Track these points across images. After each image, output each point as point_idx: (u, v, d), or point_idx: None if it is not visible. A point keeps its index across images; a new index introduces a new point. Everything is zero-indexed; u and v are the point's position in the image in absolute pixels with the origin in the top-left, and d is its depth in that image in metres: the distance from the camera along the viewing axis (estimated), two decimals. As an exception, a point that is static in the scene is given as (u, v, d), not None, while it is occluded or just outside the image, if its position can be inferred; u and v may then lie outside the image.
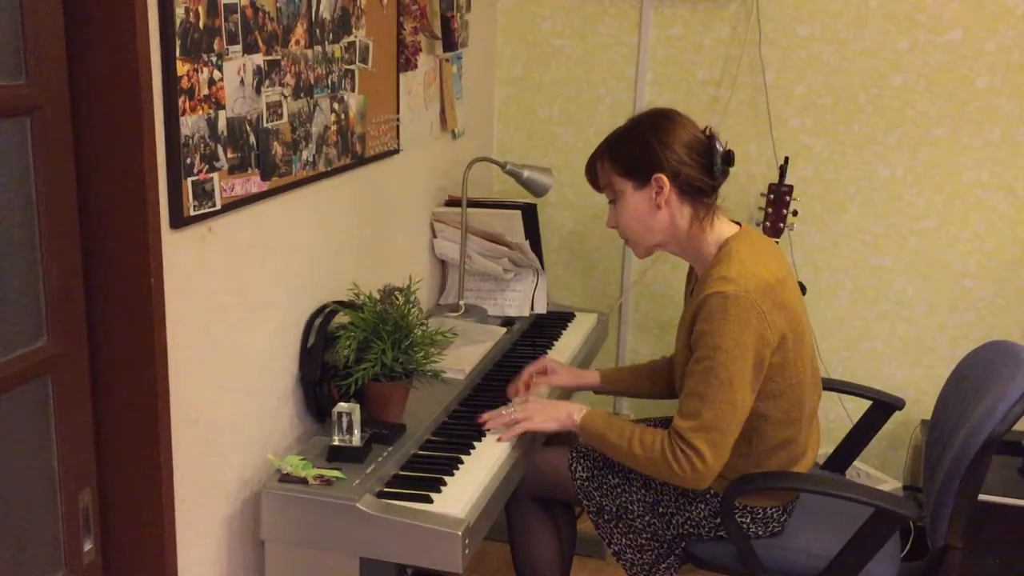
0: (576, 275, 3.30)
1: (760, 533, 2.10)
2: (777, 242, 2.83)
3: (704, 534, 2.12)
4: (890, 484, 2.92)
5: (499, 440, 2.08)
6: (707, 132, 2.02)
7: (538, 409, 2.11)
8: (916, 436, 2.98)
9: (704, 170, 1.98)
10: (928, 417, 2.39)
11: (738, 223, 2.07)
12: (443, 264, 2.85)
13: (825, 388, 2.57)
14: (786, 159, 2.86)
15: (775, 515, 2.10)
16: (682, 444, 1.92)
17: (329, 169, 2.07)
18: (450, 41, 2.65)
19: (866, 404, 2.47)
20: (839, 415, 3.05)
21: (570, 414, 2.08)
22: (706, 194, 2.00)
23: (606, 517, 2.20)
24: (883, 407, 2.42)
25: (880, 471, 3.03)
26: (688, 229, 2.01)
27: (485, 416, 2.12)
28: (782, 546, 2.12)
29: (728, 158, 2.01)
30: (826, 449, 2.72)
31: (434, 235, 2.76)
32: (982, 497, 2.63)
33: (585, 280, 3.29)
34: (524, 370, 2.32)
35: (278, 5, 1.81)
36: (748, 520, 2.09)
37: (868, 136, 2.95)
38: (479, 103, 3.10)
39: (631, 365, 2.52)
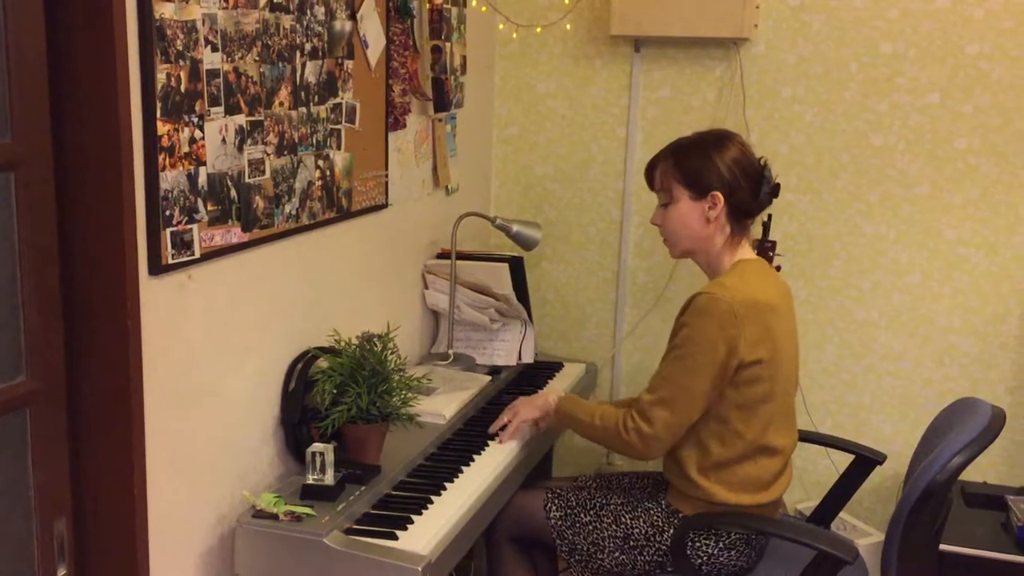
0: (570, 327, 3.38)
1: (723, 568, 2.16)
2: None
3: (669, 565, 2.19)
4: (875, 537, 2.94)
5: (500, 442, 2.35)
6: (762, 161, 2.23)
7: (522, 404, 2.42)
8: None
9: (753, 195, 2.19)
10: (915, 471, 2.44)
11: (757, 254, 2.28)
12: (435, 314, 2.96)
13: (810, 441, 2.64)
14: (769, 216, 2.94)
15: (739, 544, 2.17)
16: (637, 415, 2.14)
17: (313, 222, 2.20)
18: (443, 102, 2.78)
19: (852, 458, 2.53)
20: (827, 467, 3.09)
21: (547, 400, 2.38)
22: (748, 217, 2.22)
23: (578, 557, 2.28)
24: (865, 461, 2.47)
25: (867, 524, 3.05)
26: (721, 246, 2.21)
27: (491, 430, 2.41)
28: None
29: (775, 190, 2.22)
30: (813, 502, 2.76)
31: (425, 286, 2.87)
32: (966, 551, 2.66)
33: (578, 332, 3.38)
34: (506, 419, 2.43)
35: (262, 71, 1.95)
36: (712, 542, 2.16)
37: (851, 194, 3.03)
38: (476, 160, 3.23)
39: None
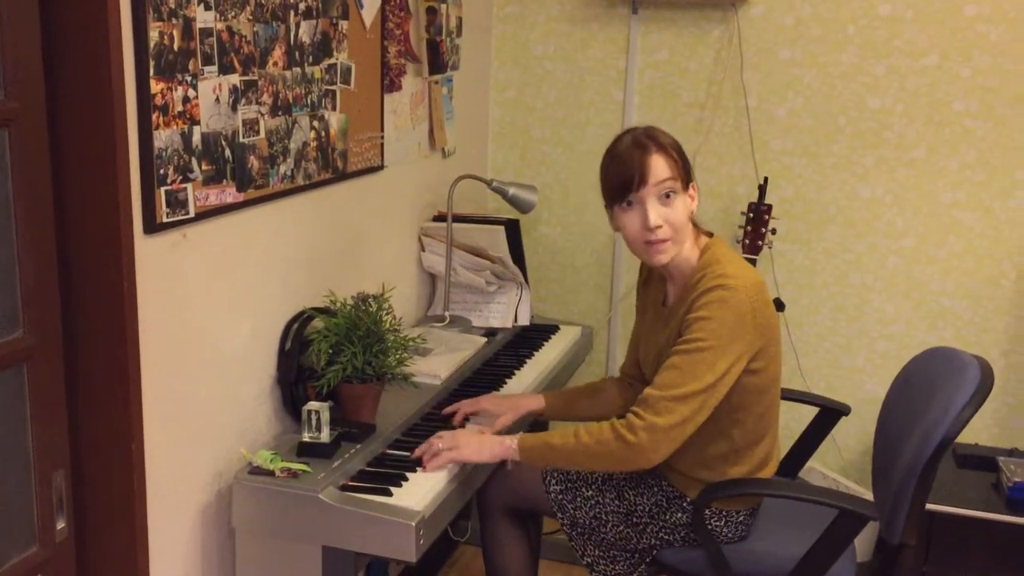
0: (566, 290, 3.40)
1: (730, 536, 2.18)
2: (755, 259, 2.92)
3: (676, 541, 2.18)
4: (868, 496, 2.96)
5: (423, 471, 2.02)
6: None
7: (467, 440, 2.07)
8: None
9: None
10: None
11: (710, 233, 2.14)
12: (432, 277, 2.97)
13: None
14: (765, 179, 2.95)
15: (744, 519, 2.18)
16: (642, 411, 1.93)
17: (308, 183, 2.21)
18: (438, 64, 2.78)
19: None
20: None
21: (502, 442, 2.05)
22: None
23: (579, 530, 2.25)
24: (830, 413, 2.49)
25: (860, 485, 3.08)
26: (689, 240, 2.07)
27: (418, 451, 2.08)
28: (750, 549, 2.18)
29: None
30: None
31: (422, 249, 2.88)
32: (957, 511, 2.69)
33: (575, 295, 3.40)
34: (460, 407, 2.30)
35: (255, 30, 1.95)
36: (721, 524, 2.16)
37: (848, 158, 3.03)
38: (473, 123, 3.23)
39: (576, 387, 2.48)
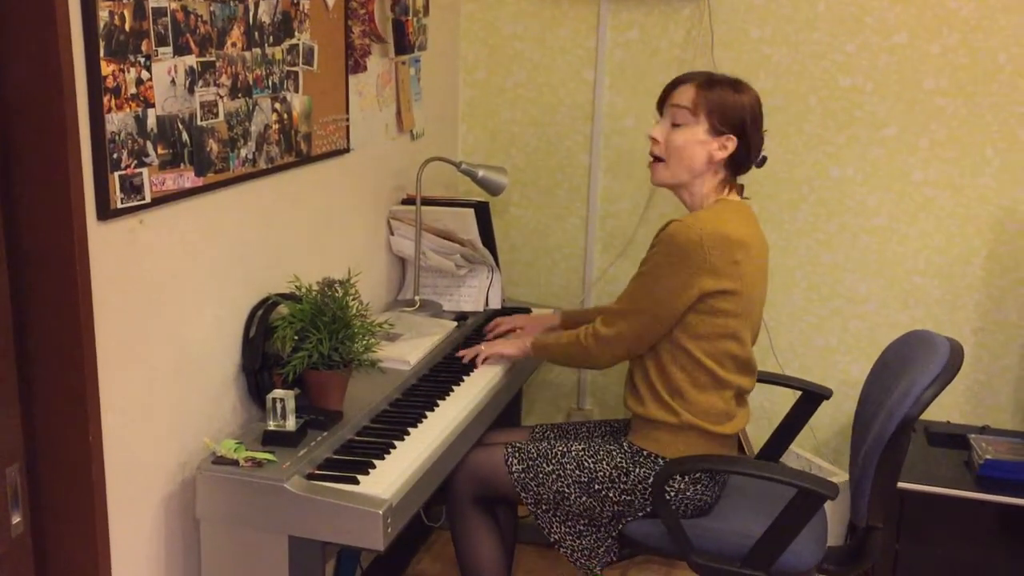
0: (539, 273, 3.37)
1: (690, 502, 2.19)
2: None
3: (638, 505, 2.20)
4: (840, 476, 2.97)
5: (465, 359, 2.52)
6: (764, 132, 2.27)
7: (500, 341, 2.56)
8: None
9: (754, 152, 2.25)
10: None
11: (746, 197, 2.31)
12: (403, 261, 2.94)
13: (760, 380, 2.65)
14: (736, 159, 2.92)
15: (702, 477, 2.19)
16: (599, 321, 2.25)
17: (271, 167, 2.16)
18: (404, 44, 2.73)
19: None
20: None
21: (524, 341, 2.50)
22: (738, 172, 2.25)
23: (544, 507, 2.27)
24: (812, 397, 2.49)
25: (835, 465, 3.08)
26: (704, 186, 2.23)
27: (464, 352, 2.54)
28: (710, 526, 2.20)
29: (761, 161, 2.30)
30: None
31: (391, 232, 2.84)
32: (928, 489, 2.69)
33: (548, 278, 3.37)
34: (501, 325, 2.71)
35: (212, 9, 1.90)
36: (678, 477, 2.18)
37: (819, 136, 3.02)
38: (442, 105, 3.18)
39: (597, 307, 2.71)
